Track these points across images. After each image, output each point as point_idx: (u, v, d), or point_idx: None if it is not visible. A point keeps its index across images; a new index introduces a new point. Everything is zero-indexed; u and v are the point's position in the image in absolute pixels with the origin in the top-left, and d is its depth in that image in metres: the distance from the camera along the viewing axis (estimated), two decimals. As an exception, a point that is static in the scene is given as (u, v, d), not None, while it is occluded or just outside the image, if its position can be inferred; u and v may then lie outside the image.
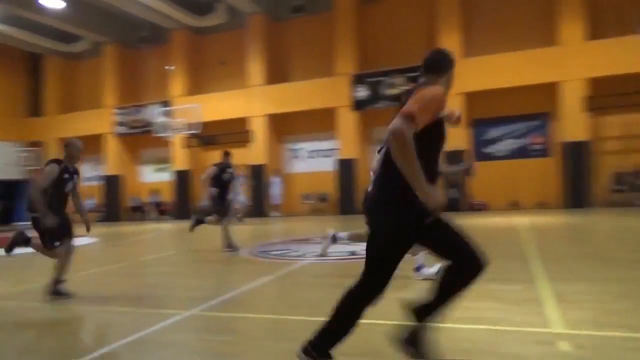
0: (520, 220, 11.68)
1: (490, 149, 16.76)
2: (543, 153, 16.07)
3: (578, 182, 14.81)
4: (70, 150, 5.29)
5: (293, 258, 7.48)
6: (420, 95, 2.52)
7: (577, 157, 14.87)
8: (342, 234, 6.75)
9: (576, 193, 14.83)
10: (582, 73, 14.78)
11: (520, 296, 4.52)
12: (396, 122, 2.37)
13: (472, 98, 16.09)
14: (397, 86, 16.93)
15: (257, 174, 19.13)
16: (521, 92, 15.64)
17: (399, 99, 2.76)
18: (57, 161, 5.25)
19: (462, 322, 3.73)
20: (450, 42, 16.10)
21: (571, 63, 14.85)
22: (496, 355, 3.10)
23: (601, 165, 15.25)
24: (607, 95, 14.42)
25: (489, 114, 16.59)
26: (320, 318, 2.78)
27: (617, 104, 14.40)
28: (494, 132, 16.80)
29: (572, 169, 14.90)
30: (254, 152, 19.29)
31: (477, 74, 15.66)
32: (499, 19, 16.44)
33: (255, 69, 19.51)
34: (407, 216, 2.53)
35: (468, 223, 11.48)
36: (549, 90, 15.41)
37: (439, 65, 2.85)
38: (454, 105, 16.23)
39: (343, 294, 2.71)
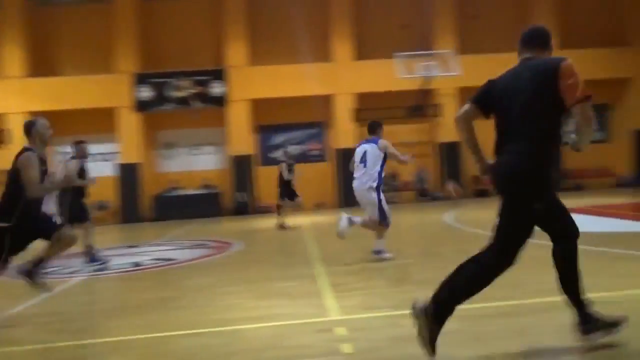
0: (303, 221, 12.60)
1: (275, 154, 17.69)
2: (320, 158, 17.72)
3: (351, 183, 16.76)
4: (40, 132, 4.28)
5: (64, 276, 6.57)
6: (573, 78, 2.60)
7: (347, 162, 16.79)
8: (357, 219, 6.39)
9: (350, 193, 16.72)
10: (351, 88, 16.86)
11: (302, 291, 4.87)
12: (587, 109, 2.59)
13: (259, 105, 16.77)
14: (183, 89, 16.53)
15: (17, 180, 16.31)
16: (302, 102, 16.94)
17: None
18: (30, 149, 4.20)
19: (250, 322, 3.83)
20: (236, 49, 16.52)
21: (342, 79, 16.78)
22: (281, 348, 3.26)
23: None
24: (372, 108, 16.69)
25: (274, 121, 17.52)
26: (100, 340, 2.50)
27: (377, 117, 16.76)
28: (278, 138, 17.79)
29: (346, 172, 16.78)
30: (11, 155, 16.37)
31: (263, 82, 16.41)
32: (283, 32, 17.51)
33: (13, 57, 16.63)
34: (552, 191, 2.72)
35: (256, 226, 11.88)
36: (325, 102, 17.08)
37: (546, 39, 2.96)
38: (242, 110, 16.70)
39: (466, 267, 2.74)
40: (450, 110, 16.78)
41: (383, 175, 6.35)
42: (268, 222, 12.61)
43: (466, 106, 3.01)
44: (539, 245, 6.09)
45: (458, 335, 3.31)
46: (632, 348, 2.90)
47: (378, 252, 6.16)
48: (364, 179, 6.28)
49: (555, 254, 2.90)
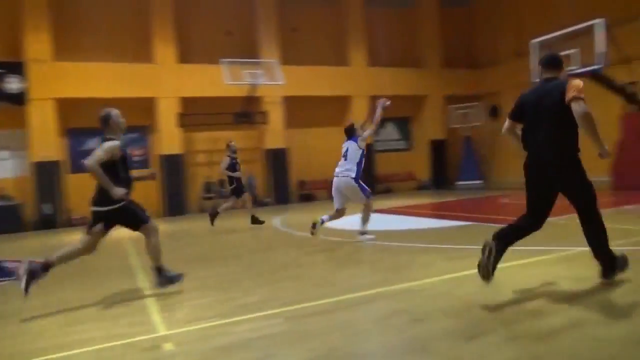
0: (124, 233, 11.63)
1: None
2: (143, 165, 16.61)
3: (175, 191, 16.11)
4: (117, 122, 5.23)
5: None
6: (575, 86, 3.69)
7: (173, 169, 16.14)
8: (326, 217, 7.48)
9: (174, 202, 16.08)
10: (175, 92, 16.19)
11: (125, 308, 4.51)
12: (582, 106, 3.63)
13: (68, 106, 15.01)
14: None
15: None
16: (121, 104, 15.56)
17: None
18: (112, 138, 5.06)
19: (67, 348, 3.41)
20: (38, 40, 14.52)
21: (166, 82, 16.02)
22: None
23: (194, 176, 17.09)
24: (198, 113, 16.28)
25: (87, 124, 15.81)
26: None
27: (204, 122, 16.48)
28: (91, 143, 16.15)
29: (170, 179, 16.07)
30: None
31: (72, 80, 14.75)
32: (98, 27, 15.97)
33: None
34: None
35: (67, 240, 10.58)
36: (148, 105, 16.10)
37: (560, 63, 4.09)
38: (46, 110, 14.71)
39: (590, 234, 3.91)
40: (276, 118, 17.37)
41: (362, 168, 7.29)
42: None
43: (506, 123, 4.37)
44: (354, 247, 6.58)
45: (284, 336, 3.43)
46: (434, 330, 3.34)
47: (363, 233, 7.28)
48: (345, 172, 7.23)
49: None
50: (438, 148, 20.26)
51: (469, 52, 21.49)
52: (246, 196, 10.77)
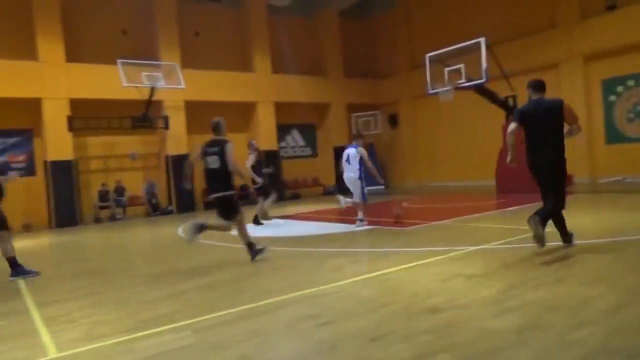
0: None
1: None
2: (28, 172, 15.13)
3: (66, 200, 14.82)
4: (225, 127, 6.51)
5: None
6: (571, 108, 5.38)
7: (63, 176, 14.85)
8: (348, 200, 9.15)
9: (65, 212, 14.79)
10: (64, 93, 14.92)
11: (13, 330, 4.08)
12: (578, 126, 5.46)
13: None
14: None
15: None
16: (0, 105, 14.18)
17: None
18: (229, 141, 6.29)
19: None
20: None
21: (52, 81, 14.69)
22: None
23: (87, 183, 15.91)
24: (91, 117, 15.19)
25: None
26: None
27: (98, 126, 15.42)
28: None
29: (59, 187, 14.77)
30: None
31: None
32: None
33: None
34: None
35: None
36: (32, 107, 14.71)
37: (544, 87, 5.55)
38: None
39: (547, 211, 5.26)
40: (178, 123, 16.77)
41: (363, 169, 9.03)
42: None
43: (513, 125, 5.46)
44: (271, 253, 6.56)
45: (192, 349, 3.33)
46: (342, 332, 3.44)
47: (361, 220, 8.98)
48: (351, 173, 9.01)
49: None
50: (342, 154, 20.85)
51: (370, 63, 22.47)
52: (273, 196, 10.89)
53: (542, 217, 5.12)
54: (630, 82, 14.30)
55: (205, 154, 6.29)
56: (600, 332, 2.97)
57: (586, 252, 5.34)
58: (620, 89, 14.36)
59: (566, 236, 5.59)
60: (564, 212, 5.49)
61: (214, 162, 6.16)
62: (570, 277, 4.34)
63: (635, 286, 3.95)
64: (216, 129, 6.33)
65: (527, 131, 5.43)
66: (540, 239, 5.10)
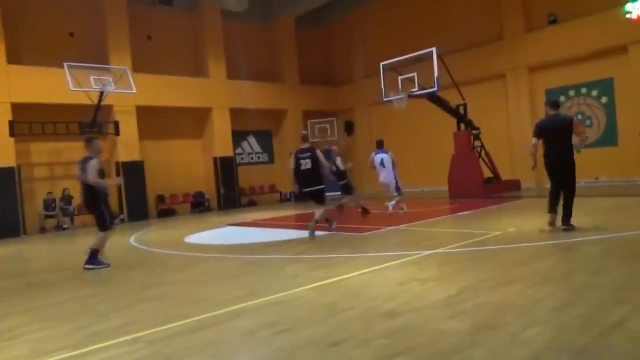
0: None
1: None
2: (-36, 180, 14.22)
3: (6, 209, 14.02)
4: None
5: None
6: (578, 123, 7.19)
7: (4, 183, 14.05)
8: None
9: (5, 221, 13.98)
10: (4, 96, 14.13)
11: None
12: (585, 136, 7.15)
13: None
14: None
15: None
16: None
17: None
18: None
19: None
20: None
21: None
22: None
23: (31, 191, 15.13)
24: (34, 122, 14.48)
25: None
26: None
27: (43, 132, 14.72)
28: None
29: (0, 195, 13.97)
30: None
31: None
32: None
33: None
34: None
35: None
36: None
37: (558, 104, 7.07)
38: None
39: (569, 201, 6.78)
40: (129, 128, 16.27)
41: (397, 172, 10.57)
42: None
43: (534, 140, 6.87)
44: (219, 262, 6.48)
45: (149, 361, 3.21)
46: (301, 339, 3.42)
47: (395, 205, 10.25)
48: (386, 174, 10.38)
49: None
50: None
51: (326, 71, 22.66)
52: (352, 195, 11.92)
53: (569, 212, 6.74)
54: (572, 92, 15.12)
55: (298, 158, 8.29)
56: (549, 331, 3.10)
57: (535, 253, 5.57)
58: (562, 98, 15.14)
59: (568, 219, 6.87)
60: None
61: (307, 164, 8.19)
62: (520, 278, 4.51)
63: (581, 285, 4.15)
64: (305, 139, 8.60)
65: (545, 141, 6.80)
66: (572, 228, 6.73)
